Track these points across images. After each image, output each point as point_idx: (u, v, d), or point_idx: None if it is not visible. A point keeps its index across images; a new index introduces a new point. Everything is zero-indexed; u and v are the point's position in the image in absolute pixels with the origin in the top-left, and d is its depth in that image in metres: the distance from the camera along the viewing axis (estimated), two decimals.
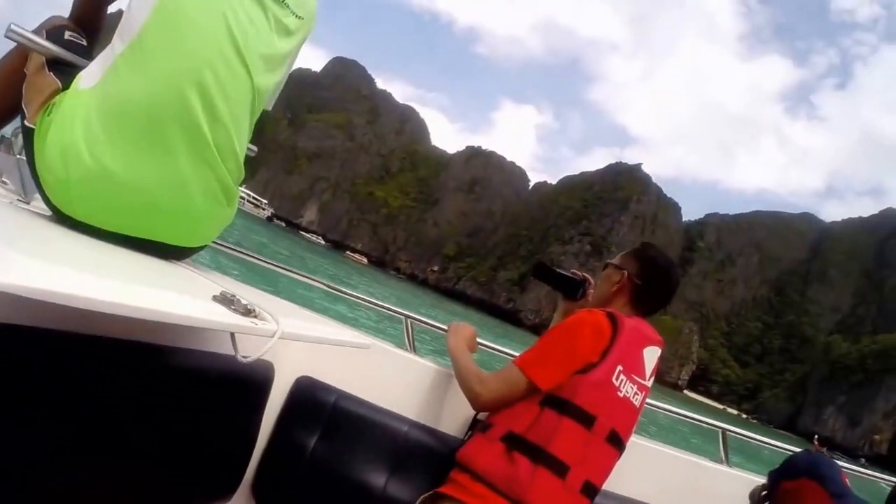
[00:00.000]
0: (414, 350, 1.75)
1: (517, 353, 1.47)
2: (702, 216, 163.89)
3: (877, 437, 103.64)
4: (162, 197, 1.04)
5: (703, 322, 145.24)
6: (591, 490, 1.35)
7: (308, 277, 2.07)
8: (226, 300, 0.81)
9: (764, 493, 1.53)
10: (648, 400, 1.51)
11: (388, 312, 1.92)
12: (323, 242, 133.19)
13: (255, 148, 1.26)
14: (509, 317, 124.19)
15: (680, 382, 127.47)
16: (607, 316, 1.40)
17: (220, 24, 1.04)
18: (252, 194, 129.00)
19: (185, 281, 1.02)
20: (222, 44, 1.05)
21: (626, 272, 1.53)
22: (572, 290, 1.67)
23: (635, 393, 1.39)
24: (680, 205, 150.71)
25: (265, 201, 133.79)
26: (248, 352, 0.84)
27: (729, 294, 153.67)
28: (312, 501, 1.50)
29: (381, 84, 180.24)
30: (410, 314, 1.83)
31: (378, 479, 1.49)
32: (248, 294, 0.90)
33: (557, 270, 1.71)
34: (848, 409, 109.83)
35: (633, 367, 1.39)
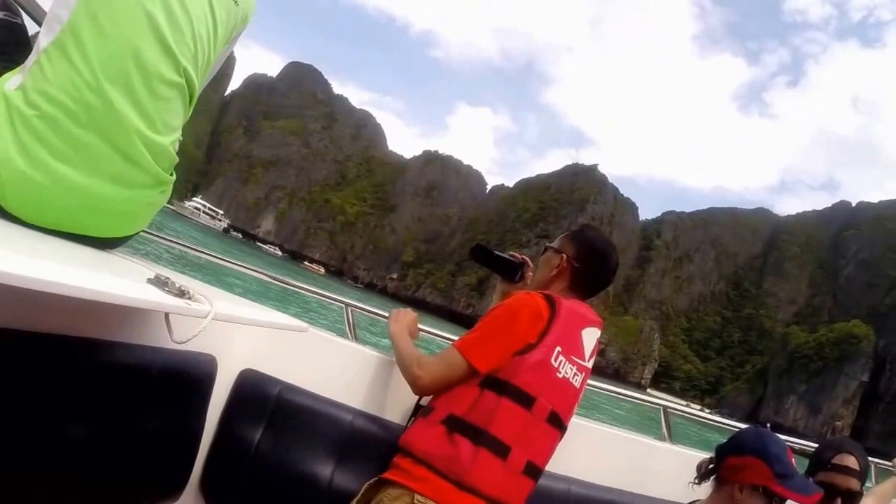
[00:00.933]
0: (356, 339, 1.74)
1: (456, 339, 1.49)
2: (659, 215, 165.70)
3: (838, 423, 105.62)
4: (89, 192, 1.05)
5: (663, 320, 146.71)
6: (533, 470, 1.36)
7: (247, 267, 2.04)
8: (160, 282, 0.82)
9: (710, 465, 1.54)
10: (591, 382, 1.50)
11: (331, 302, 1.89)
12: (280, 253, 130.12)
13: (179, 137, 1.23)
14: (470, 322, 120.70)
15: (643, 382, 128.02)
16: (545, 298, 1.41)
17: (142, 15, 1.04)
18: (207, 205, 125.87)
19: (118, 266, 1.02)
20: (146, 34, 1.05)
21: (564, 255, 1.53)
22: (511, 272, 1.67)
23: (575, 374, 1.40)
24: (637, 204, 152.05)
25: (221, 212, 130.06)
26: (184, 336, 0.85)
27: (687, 290, 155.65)
28: (261, 496, 1.48)
29: (337, 89, 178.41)
30: (350, 302, 1.81)
31: (324, 469, 1.49)
32: (183, 280, 0.90)
33: (496, 253, 1.70)
34: (808, 397, 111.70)
35: (572, 349, 1.39)
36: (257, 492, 1.48)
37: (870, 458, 1.94)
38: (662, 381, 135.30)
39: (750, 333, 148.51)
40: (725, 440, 1.55)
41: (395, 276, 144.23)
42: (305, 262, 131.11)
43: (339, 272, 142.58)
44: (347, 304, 1.81)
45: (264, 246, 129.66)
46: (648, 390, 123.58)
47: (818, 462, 1.75)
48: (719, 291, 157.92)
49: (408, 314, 1.64)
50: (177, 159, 1.19)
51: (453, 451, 1.30)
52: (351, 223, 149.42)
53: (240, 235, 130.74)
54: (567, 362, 1.37)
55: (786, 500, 1.41)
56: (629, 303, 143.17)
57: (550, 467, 1.42)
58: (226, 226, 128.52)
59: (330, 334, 1.67)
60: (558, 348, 1.36)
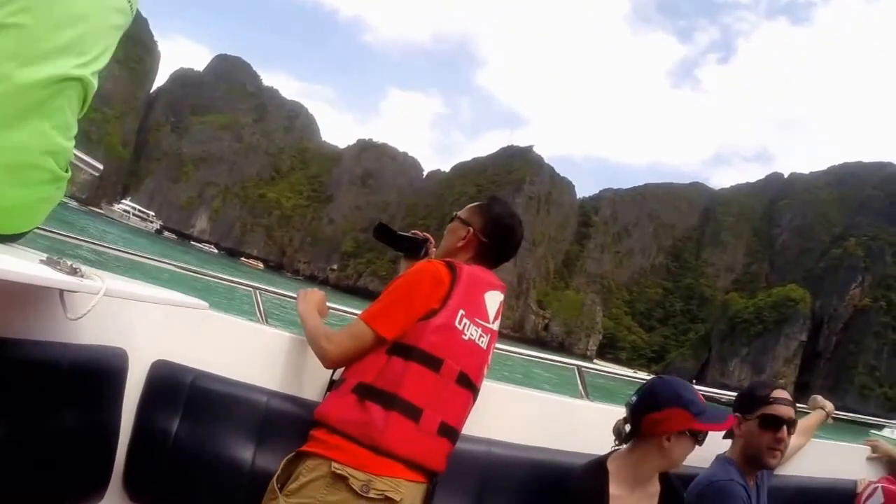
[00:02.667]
0: (266, 321, 1.75)
1: None
2: (596, 192, 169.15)
3: (781, 381, 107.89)
4: None
5: (605, 293, 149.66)
6: (448, 431, 1.38)
7: (154, 259, 2.03)
8: (52, 262, 0.83)
9: (627, 426, 1.58)
10: (503, 346, 1.55)
11: (240, 287, 1.89)
12: (216, 251, 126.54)
13: (75, 132, 1.18)
14: None
15: (588, 353, 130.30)
16: (446, 264, 1.45)
17: (27, 10, 1.01)
18: (137, 207, 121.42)
19: (11, 250, 1.01)
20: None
21: (471, 228, 1.57)
22: (415, 250, 1.70)
23: (480, 335, 1.43)
24: (574, 182, 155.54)
25: (152, 213, 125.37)
26: (79, 313, 0.86)
27: (628, 264, 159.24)
28: (185, 486, 1.48)
29: (267, 80, 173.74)
30: (259, 285, 1.80)
31: (245, 452, 1.50)
32: (81, 266, 0.89)
33: (398, 232, 1.73)
34: (751, 359, 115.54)
35: (476, 311, 1.43)
36: (181, 482, 1.48)
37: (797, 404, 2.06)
38: (608, 351, 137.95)
39: (691, 302, 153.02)
40: (634, 394, 1.59)
41: (335, 266, 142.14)
42: (243, 259, 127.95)
43: (278, 267, 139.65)
44: (256, 288, 1.79)
45: (198, 245, 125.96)
46: (595, 361, 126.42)
47: (757, 399, 1.81)
48: (659, 264, 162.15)
49: (315, 293, 1.64)
50: (72, 156, 1.17)
51: (366, 416, 1.31)
52: (288, 217, 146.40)
53: (174, 236, 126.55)
54: (472, 324, 1.40)
55: (707, 433, 1.53)
56: (570, 278, 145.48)
57: (470, 429, 1.45)
58: (158, 227, 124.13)
59: (240, 318, 1.66)
60: (461, 311, 1.39)
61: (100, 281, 0.82)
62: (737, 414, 1.83)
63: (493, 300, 1.48)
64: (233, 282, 1.96)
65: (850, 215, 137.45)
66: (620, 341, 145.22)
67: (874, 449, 2.34)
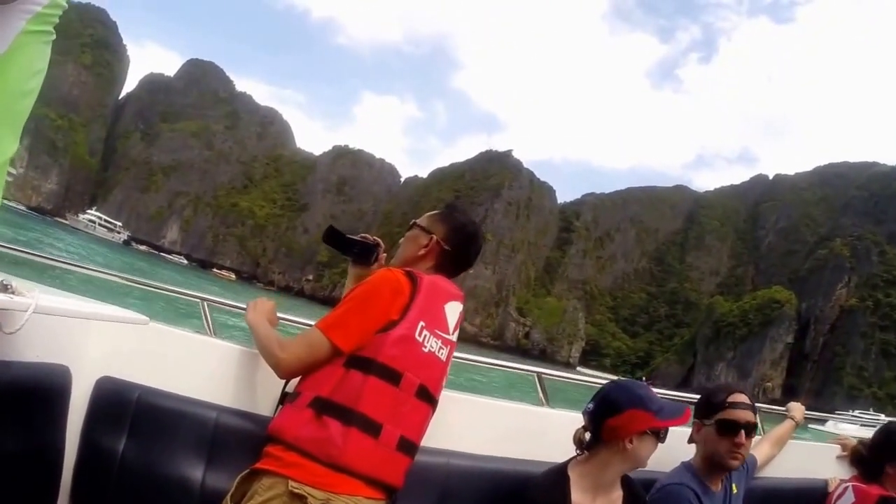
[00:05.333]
0: (214, 334, 1.70)
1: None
2: (578, 196, 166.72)
3: (768, 384, 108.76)
4: None
5: (588, 299, 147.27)
6: (408, 446, 1.36)
7: (95, 269, 1.95)
8: None
9: (587, 434, 1.57)
10: (460, 354, 1.54)
11: (187, 298, 1.83)
12: (185, 262, 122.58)
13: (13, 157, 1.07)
14: None
15: (571, 360, 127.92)
16: (406, 274, 1.42)
17: None
18: (104, 217, 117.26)
19: None
20: None
21: (434, 236, 1.55)
22: (366, 255, 1.65)
23: (440, 347, 1.41)
24: (554, 187, 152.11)
25: (119, 224, 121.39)
26: (12, 328, 0.84)
27: (610, 269, 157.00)
28: None
29: (240, 86, 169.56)
30: (207, 297, 1.75)
31: (195, 470, 1.45)
32: (13, 281, 0.86)
33: (348, 236, 1.68)
34: (737, 362, 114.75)
35: (436, 323, 1.41)
36: (130, 502, 1.43)
37: (765, 405, 2.18)
38: (592, 358, 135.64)
39: (676, 307, 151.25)
40: (590, 401, 1.57)
41: (310, 277, 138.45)
42: (214, 270, 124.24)
43: (252, 277, 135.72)
44: (204, 299, 1.74)
45: (168, 256, 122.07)
46: (578, 368, 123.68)
47: (714, 405, 1.81)
48: (642, 268, 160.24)
49: (265, 303, 1.59)
50: (8, 156, 1.07)
51: (324, 432, 1.27)
52: (261, 226, 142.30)
53: (143, 248, 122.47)
54: (432, 336, 1.38)
55: (668, 429, 1.53)
56: (551, 284, 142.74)
57: (428, 442, 1.42)
58: (126, 238, 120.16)
59: (187, 331, 1.61)
60: (422, 323, 1.37)
61: (31, 297, 0.80)
62: (696, 420, 1.82)
63: (453, 311, 1.46)
64: (178, 293, 1.88)
65: (835, 216, 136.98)
66: (604, 348, 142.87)
67: (844, 448, 2.37)
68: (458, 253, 1.55)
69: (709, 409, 1.80)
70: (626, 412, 1.49)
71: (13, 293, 0.81)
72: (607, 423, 1.50)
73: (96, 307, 1.11)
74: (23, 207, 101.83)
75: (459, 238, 1.55)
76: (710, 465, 1.77)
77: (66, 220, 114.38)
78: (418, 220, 1.61)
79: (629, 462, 1.52)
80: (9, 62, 0.92)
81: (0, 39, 0.91)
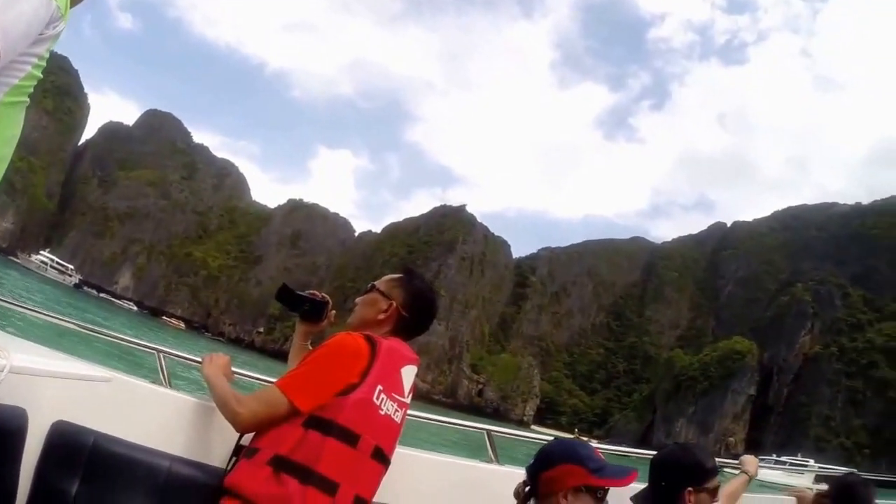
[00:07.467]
0: (170, 385, 1.73)
1: (273, 381, 1.50)
2: (533, 250, 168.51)
3: (731, 439, 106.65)
4: None
5: (544, 356, 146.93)
6: None
7: (61, 319, 2.03)
8: None
9: (527, 488, 1.59)
10: (412, 411, 1.60)
11: (142, 349, 1.88)
12: (135, 309, 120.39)
13: None
14: None
15: (525, 418, 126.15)
16: (366, 338, 1.49)
17: None
18: (56, 259, 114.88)
19: None
20: None
21: (393, 303, 1.60)
22: (315, 312, 1.70)
23: (395, 410, 1.48)
24: (509, 241, 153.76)
25: (72, 267, 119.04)
26: None
27: (567, 325, 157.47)
28: None
29: (198, 137, 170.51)
30: (162, 348, 1.82)
31: None
32: None
33: (299, 292, 1.73)
34: (698, 417, 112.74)
35: (393, 387, 1.48)
36: None
37: (718, 459, 2.06)
38: (548, 416, 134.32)
39: (635, 362, 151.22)
40: (534, 459, 1.61)
41: (261, 329, 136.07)
42: (164, 318, 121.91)
43: (203, 327, 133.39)
44: (159, 350, 1.80)
45: (119, 302, 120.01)
46: (533, 426, 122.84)
47: (708, 470, 1.80)
48: (600, 323, 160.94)
49: (221, 357, 1.65)
50: None
51: (281, 490, 1.31)
52: (214, 277, 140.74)
53: (94, 292, 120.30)
54: (388, 399, 1.45)
55: (608, 489, 1.51)
56: (506, 340, 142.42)
57: (379, 498, 1.47)
58: (77, 281, 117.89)
59: (143, 381, 1.66)
60: (380, 387, 1.44)
61: (4, 359, 0.81)
62: (689, 489, 1.76)
63: (409, 375, 1.54)
64: (135, 343, 1.93)
65: (796, 260, 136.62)
66: (561, 405, 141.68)
67: (800, 501, 2.41)
68: (415, 319, 1.60)
69: (704, 476, 1.76)
70: (559, 466, 1.50)
71: None
72: (542, 477, 1.52)
73: (67, 364, 1.11)
74: None
75: (418, 305, 1.61)
76: None
77: (19, 259, 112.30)
78: (377, 284, 1.64)
79: None
80: None
81: None
